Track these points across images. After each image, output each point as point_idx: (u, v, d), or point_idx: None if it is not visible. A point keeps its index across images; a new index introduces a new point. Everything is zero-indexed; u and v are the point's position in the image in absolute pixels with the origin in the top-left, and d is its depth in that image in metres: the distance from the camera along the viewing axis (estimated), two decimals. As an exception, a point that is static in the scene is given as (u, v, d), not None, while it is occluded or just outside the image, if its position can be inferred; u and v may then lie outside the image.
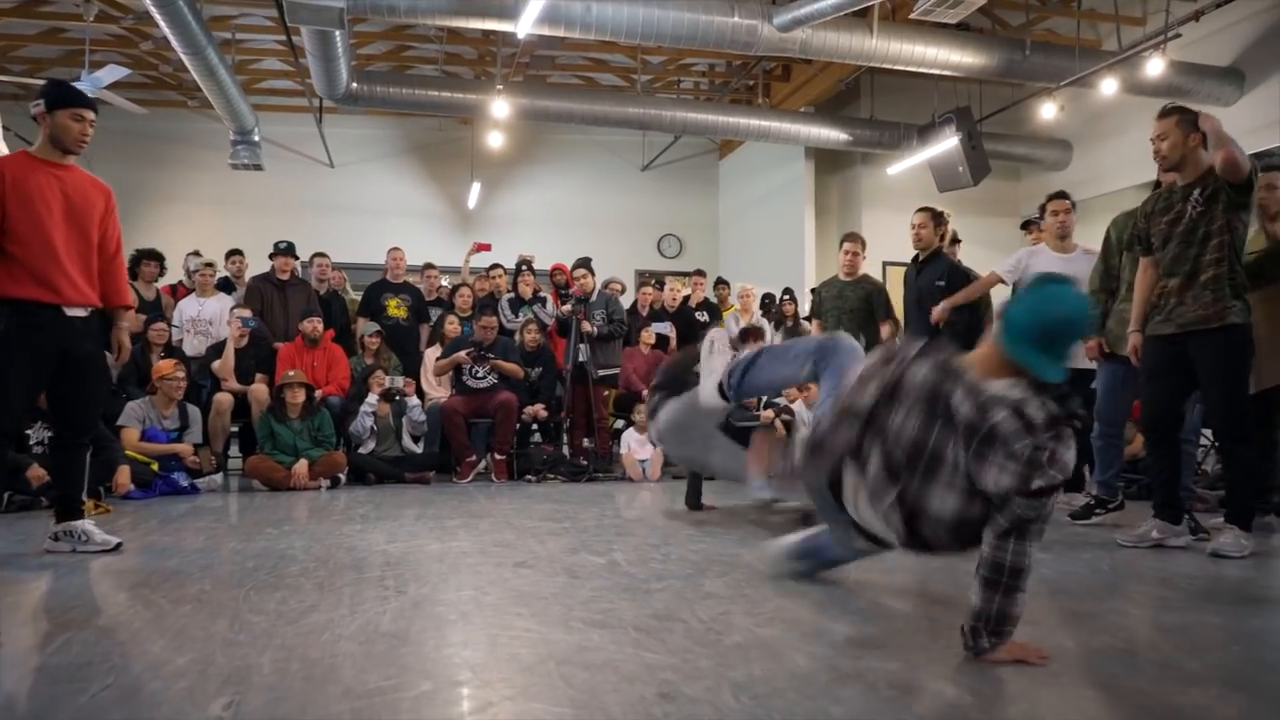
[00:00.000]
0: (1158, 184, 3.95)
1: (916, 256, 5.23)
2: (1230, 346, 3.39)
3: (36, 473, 4.54)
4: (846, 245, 5.80)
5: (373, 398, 6.18)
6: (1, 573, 3.05)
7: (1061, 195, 4.80)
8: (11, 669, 1.97)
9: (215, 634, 2.22)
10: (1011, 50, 7.43)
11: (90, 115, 3.35)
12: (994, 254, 9.51)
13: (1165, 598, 2.69)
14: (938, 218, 5.15)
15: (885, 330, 5.59)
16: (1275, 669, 2.03)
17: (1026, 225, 4.91)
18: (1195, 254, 3.44)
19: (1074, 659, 2.05)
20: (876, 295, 5.65)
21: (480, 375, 6.35)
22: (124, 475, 4.95)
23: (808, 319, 7.62)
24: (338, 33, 6.51)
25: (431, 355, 6.86)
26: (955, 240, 5.51)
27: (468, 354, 6.33)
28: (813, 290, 8.48)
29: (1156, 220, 3.61)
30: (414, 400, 6.44)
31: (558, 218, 11.38)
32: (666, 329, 7.61)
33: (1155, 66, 6.88)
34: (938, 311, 4.83)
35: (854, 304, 5.62)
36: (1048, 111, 8.28)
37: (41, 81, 8.22)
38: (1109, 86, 7.41)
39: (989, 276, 4.90)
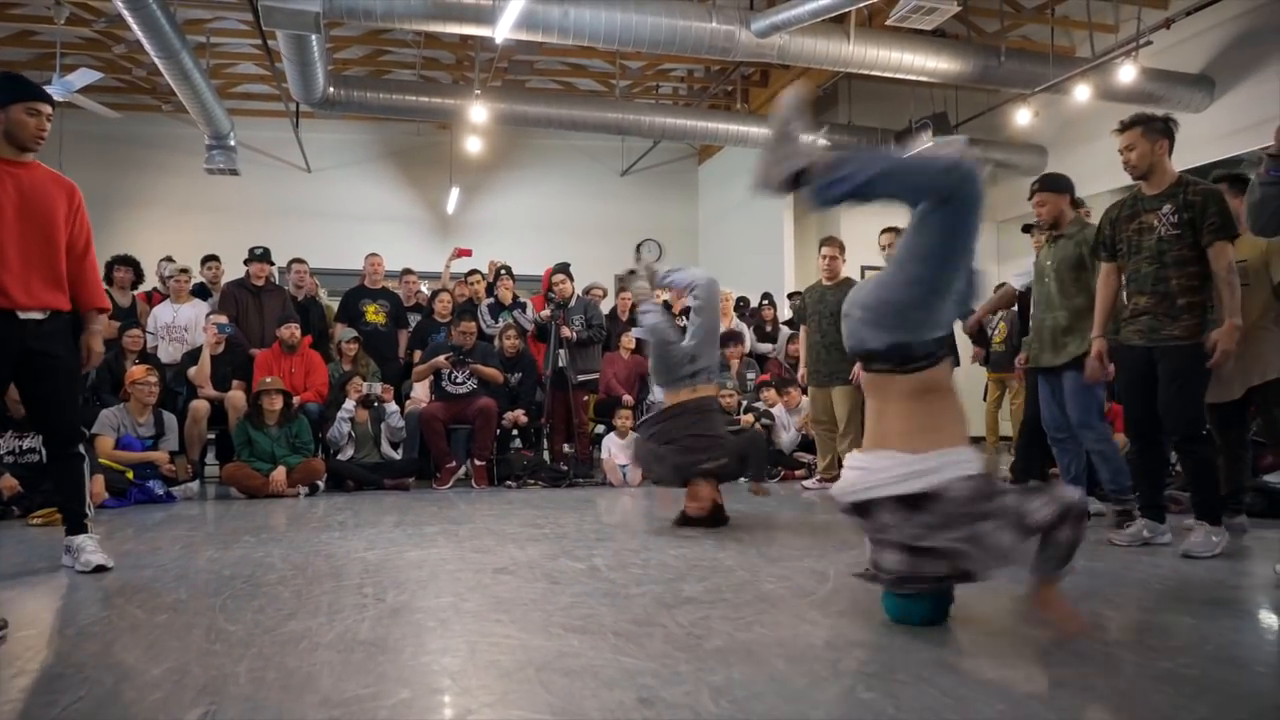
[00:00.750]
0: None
1: None
2: (1194, 353, 3.45)
3: (8, 483, 4.48)
4: (825, 249, 5.86)
5: (349, 403, 6.14)
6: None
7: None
8: (-19, 682, 1.93)
9: (191, 643, 2.19)
10: (987, 57, 7.52)
11: (47, 109, 3.18)
12: (970, 258, 9.62)
13: (1140, 598, 2.73)
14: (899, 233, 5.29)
15: None
16: (1246, 667, 2.06)
17: (1028, 229, 4.93)
18: (1170, 276, 3.48)
19: (1050, 659, 2.07)
20: None
21: (460, 381, 6.33)
22: (98, 485, 4.88)
23: (788, 324, 7.66)
24: (314, 37, 6.48)
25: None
26: None
27: (447, 358, 6.30)
28: (790, 295, 8.53)
29: (1122, 226, 3.66)
30: (392, 406, 6.40)
31: (537, 223, 11.37)
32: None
33: (1127, 73, 7.00)
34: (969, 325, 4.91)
35: (835, 308, 5.68)
36: (1023, 117, 8.39)
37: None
38: (1082, 93, 7.52)
39: (1006, 291, 4.98)
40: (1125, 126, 3.59)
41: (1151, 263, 3.54)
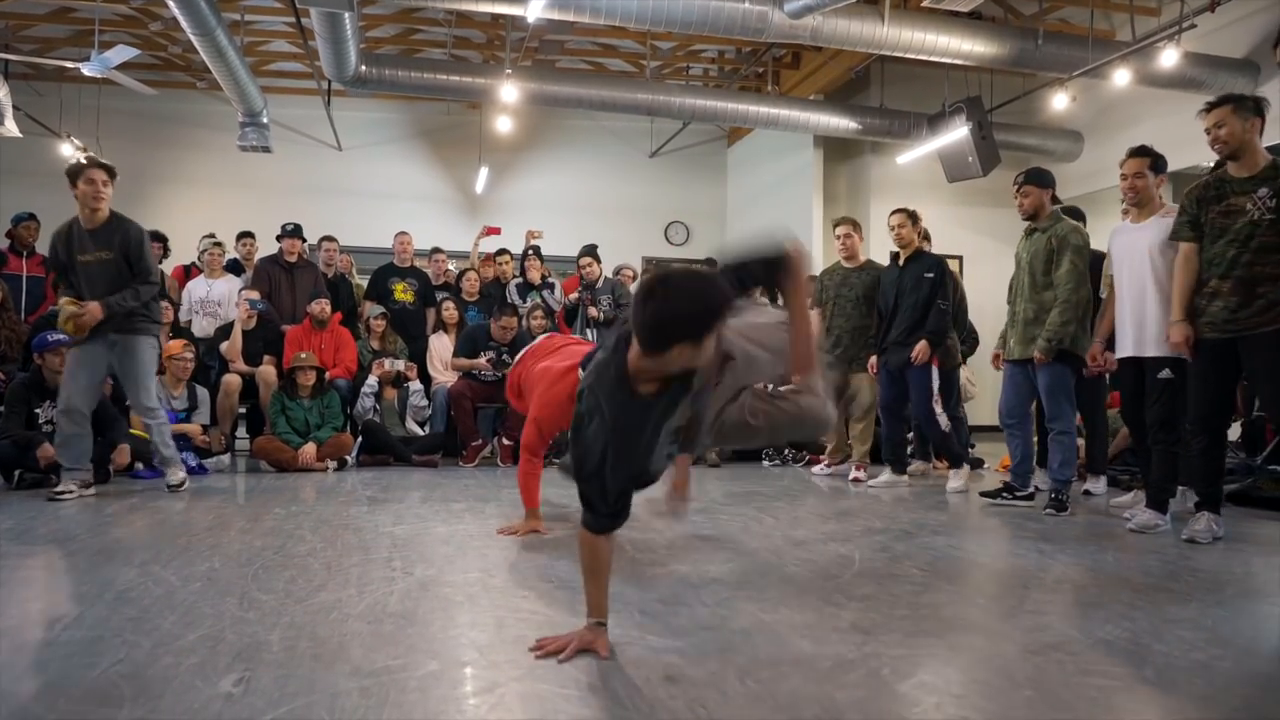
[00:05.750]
0: (1219, 164, 3.85)
1: (896, 255, 5.31)
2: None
3: (46, 452, 4.57)
4: (840, 230, 5.82)
5: (372, 379, 6.22)
6: (13, 547, 3.08)
7: (1136, 152, 4.03)
8: (24, 644, 1.99)
9: (225, 611, 2.24)
10: (1024, 40, 7.38)
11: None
12: (1001, 245, 9.49)
13: (1171, 589, 2.69)
14: (914, 217, 5.30)
15: None
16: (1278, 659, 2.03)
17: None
18: (1251, 261, 3.37)
19: (1080, 648, 2.06)
20: None
21: (493, 377, 6.31)
22: (122, 455, 4.95)
23: (812, 307, 7.58)
24: (346, 15, 6.49)
25: (437, 341, 6.87)
26: (925, 237, 5.64)
27: (488, 361, 6.30)
28: (811, 277, 8.45)
29: (1207, 208, 3.54)
30: (416, 385, 6.46)
31: (565, 203, 11.35)
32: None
33: (1169, 57, 6.82)
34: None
35: (861, 290, 5.64)
36: (1059, 102, 8.22)
37: (52, 62, 8.24)
38: (1122, 77, 7.35)
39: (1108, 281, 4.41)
40: (1214, 105, 3.50)
41: (1237, 246, 3.42)
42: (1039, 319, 4.27)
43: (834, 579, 2.72)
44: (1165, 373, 3.77)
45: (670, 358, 1.79)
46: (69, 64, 7.29)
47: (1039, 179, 4.42)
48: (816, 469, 5.92)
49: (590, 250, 7.22)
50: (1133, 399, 4.03)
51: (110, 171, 4.42)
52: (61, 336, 4.93)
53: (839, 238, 5.78)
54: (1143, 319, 3.87)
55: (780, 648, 2.01)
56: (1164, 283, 3.78)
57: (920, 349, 5.02)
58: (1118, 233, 4.11)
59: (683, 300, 1.77)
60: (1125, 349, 3.98)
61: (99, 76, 7.28)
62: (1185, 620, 2.31)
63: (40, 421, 4.79)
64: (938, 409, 5.24)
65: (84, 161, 4.43)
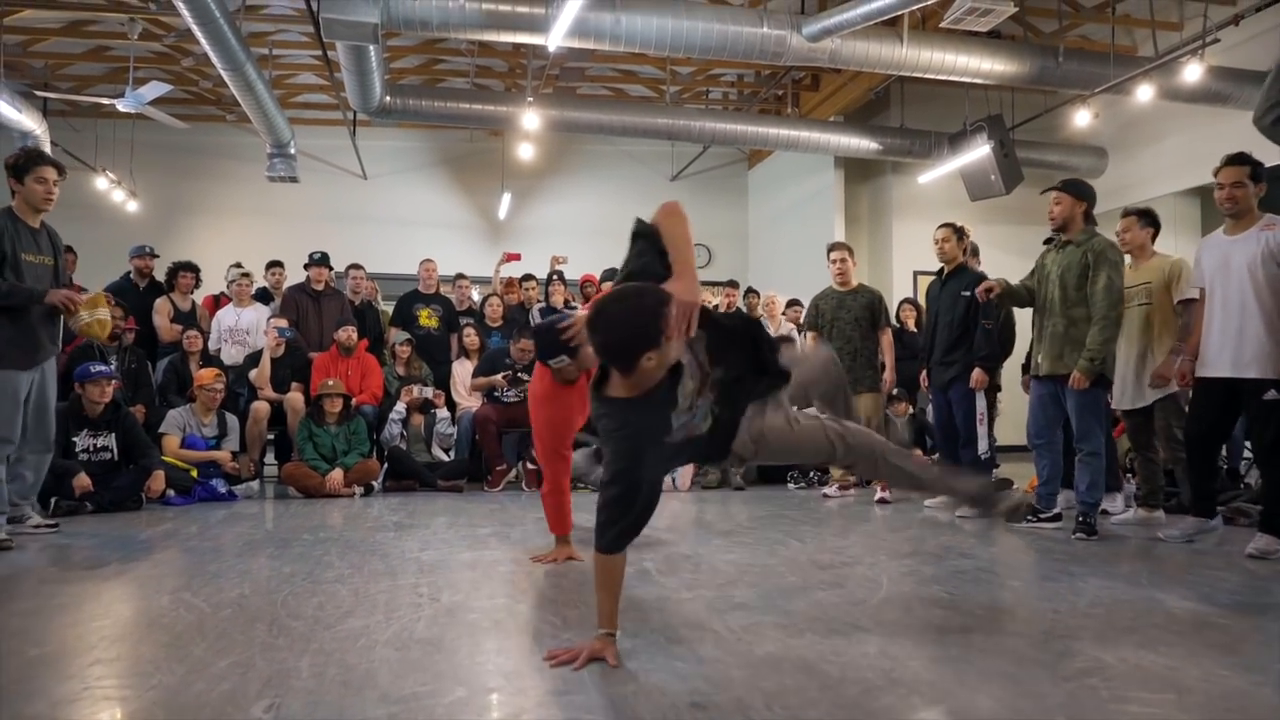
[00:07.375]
0: None
1: (941, 270, 5.25)
2: None
3: (82, 481, 4.65)
4: (834, 255, 5.82)
5: (401, 406, 6.27)
6: (47, 574, 3.13)
7: (1234, 160, 3.76)
8: (56, 671, 2.02)
9: (255, 638, 2.26)
10: (1044, 57, 7.37)
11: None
12: (1026, 262, 9.37)
13: (1206, 613, 2.64)
14: (959, 232, 5.18)
15: (885, 338, 5.63)
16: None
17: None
18: None
19: (1114, 674, 2.02)
20: (878, 304, 5.68)
21: (513, 396, 6.35)
22: (158, 481, 5.04)
23: (803, 330, 7.55)
24: (371, 47, 6.63)
25: (459, 367, 6.92)
26: (974, 253, 5.57)
27: (504, 378, 6.35)
28: (791, 303, 8.42)
29: None
30: (443, 413, 6.50)
31: (587, 228, 11.43)
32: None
33: (1193, 72, 6.79)
34: (980, 290, 4.60)
35: (857, 313, 5.65)
36: (1082, 119, 8.20)
37: (89, 99, 8.48)
38: (1145, 93, 7.31)
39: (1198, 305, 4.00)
40: None
41: None
42: (1069, 335, 4.12)
43: (861, 603, 2.70)
44: (1272, 394, 3.55)
45: (646, 369, 2.00)
46: (105, 100, 7.49)
47: (1076, 189, 4.24)
48: (828, 490, 5.85)
49: (611, 276, 7.27)
50: (1202, 418, 3.84)
51: (62, 170, 3.88)
52: (104, 368, 5.04)
53: (834, 262, 5.79)
54: (1242, 338, 3.63)
55: (807, 673, 1.99)
56: (1265, 299, 3.56)
57: (976, 377, 4.86)
58: (1208, 245, 3.86)
59: (623, 320, 1.98)
60: (1219, 368, 3.70)
61: (133, 112, 7.47)
62: (1222, 646, 2.27)
63: (77, 450, 4.88)
64: (981, 430, 5.08)
65: (31, 154, 3.80)
